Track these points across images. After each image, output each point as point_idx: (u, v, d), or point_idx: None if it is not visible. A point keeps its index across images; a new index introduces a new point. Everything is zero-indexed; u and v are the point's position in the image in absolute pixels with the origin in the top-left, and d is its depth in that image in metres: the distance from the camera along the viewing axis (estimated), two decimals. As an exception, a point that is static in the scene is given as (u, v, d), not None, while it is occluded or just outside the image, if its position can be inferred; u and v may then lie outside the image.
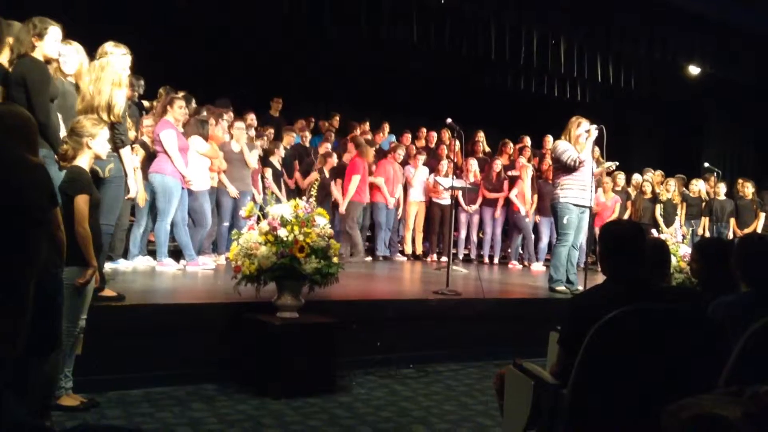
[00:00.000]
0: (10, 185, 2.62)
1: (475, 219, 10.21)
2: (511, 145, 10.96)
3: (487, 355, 5.64)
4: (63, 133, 4.32)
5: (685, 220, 10.59)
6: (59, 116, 4.53)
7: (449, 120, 6.76)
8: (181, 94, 7.23)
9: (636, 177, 11.06)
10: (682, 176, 11.23)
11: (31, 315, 2.68)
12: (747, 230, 10.18)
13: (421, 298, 6.03)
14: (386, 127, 11.12)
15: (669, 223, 10.26)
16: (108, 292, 4.49)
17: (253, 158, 7.82)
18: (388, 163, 9.54)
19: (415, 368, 5.26)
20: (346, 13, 9.57)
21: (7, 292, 1.91)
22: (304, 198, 4.93)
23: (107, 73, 4.58)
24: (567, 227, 6.68)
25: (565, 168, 6.63)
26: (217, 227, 7.63)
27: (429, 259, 10.09)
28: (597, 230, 7.84)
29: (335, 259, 4.57)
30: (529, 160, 10.51)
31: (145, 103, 7.55)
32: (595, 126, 6.66)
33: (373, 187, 9.31)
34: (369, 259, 9.40)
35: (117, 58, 4.77)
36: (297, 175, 9.31)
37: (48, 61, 4.52)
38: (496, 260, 10.37)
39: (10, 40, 4.39)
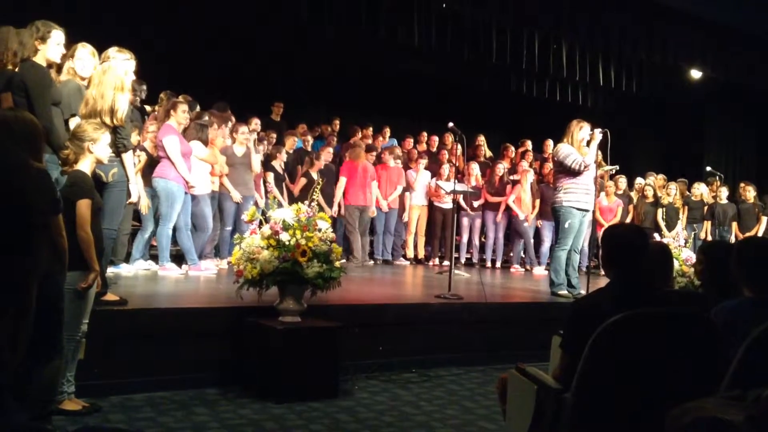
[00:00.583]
0: (12, 187, 2.63)
1: (477, 223, 10.20)
2: (513, 149, 10.96)
3: (490, 360, 5.62)
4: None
5: (687, 224, 10.57)
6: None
7: (451, 124, 6.77)
8: (182, 98, 7.23)
9: (638, 181, 11.04)
10: (684, 180, 11.21)
11: (33, 319, 2.68)
12: (749, 234, 10.14)
13: (423, 302, 6.03)
14: (387, 131, 11.13)
15: (671, 227, 10.25)
16: (110, 297, 4.49)
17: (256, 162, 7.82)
18: (380, 167, 9.54)
19: (417, 372, 5.25)
20: (347, 17, 9.57)
21: (8, 294, 1.90)
22: (307, 202, 4.92)
23: (109, 77, 4.59)
24: (568, 231, 6.67)
25: (568, 171, 6.61)
26: (219, 231, 7.63)
27: (431, 263, 10.09)
28: (599, 234, 7.82)
29: (337, 263, 4.58)
30: (531, 164, 10.51)
31: (147, 108, 7.56)
32: (599, 129, 6.67)
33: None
34: (371, 263, 9.38)
35: (119, 62, 4.79)
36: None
37: (50, 65, 4.53)
38: (498, 264, 10.35)
39: (15, 45, 4.41)
